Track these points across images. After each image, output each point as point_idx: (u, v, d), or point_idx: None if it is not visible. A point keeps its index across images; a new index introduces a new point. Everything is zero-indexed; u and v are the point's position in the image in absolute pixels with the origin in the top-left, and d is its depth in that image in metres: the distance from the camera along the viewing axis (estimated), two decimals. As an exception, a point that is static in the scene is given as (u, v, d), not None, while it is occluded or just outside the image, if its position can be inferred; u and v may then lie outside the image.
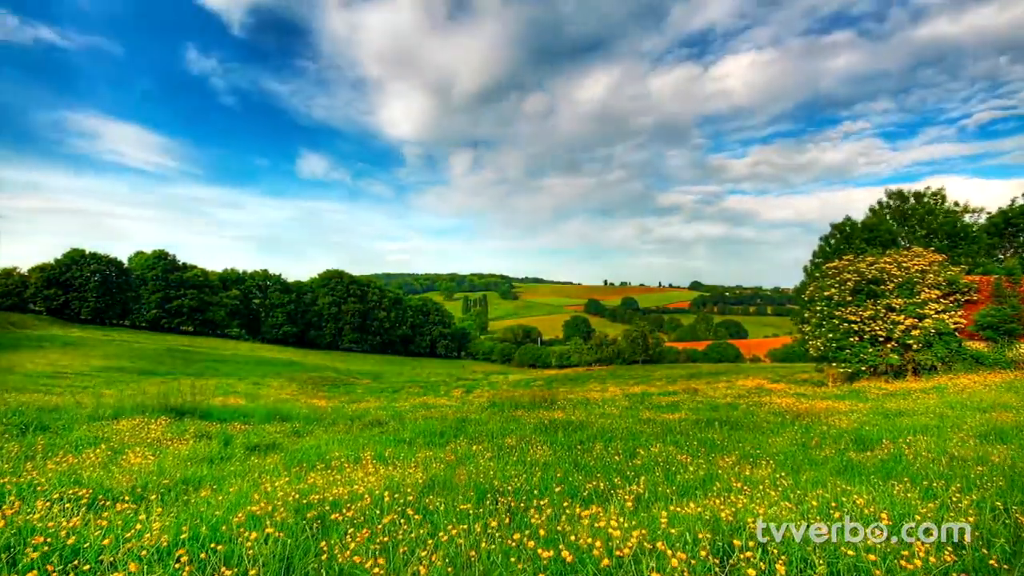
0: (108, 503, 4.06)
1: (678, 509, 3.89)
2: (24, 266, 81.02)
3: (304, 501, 4.06)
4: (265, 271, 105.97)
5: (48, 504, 3.78)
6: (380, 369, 72.85)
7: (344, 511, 3.86)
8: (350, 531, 3.42)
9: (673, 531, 3.28)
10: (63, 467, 5.59)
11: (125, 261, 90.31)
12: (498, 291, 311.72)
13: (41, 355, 42.57)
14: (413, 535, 3.44)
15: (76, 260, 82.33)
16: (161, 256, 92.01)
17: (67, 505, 3.82)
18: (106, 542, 2.89)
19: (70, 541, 2.99)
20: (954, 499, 4.70)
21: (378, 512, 3.90)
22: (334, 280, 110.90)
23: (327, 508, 3.95)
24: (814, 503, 4.27)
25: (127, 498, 4.23)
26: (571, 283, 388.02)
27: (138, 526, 3.27)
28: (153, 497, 4.28)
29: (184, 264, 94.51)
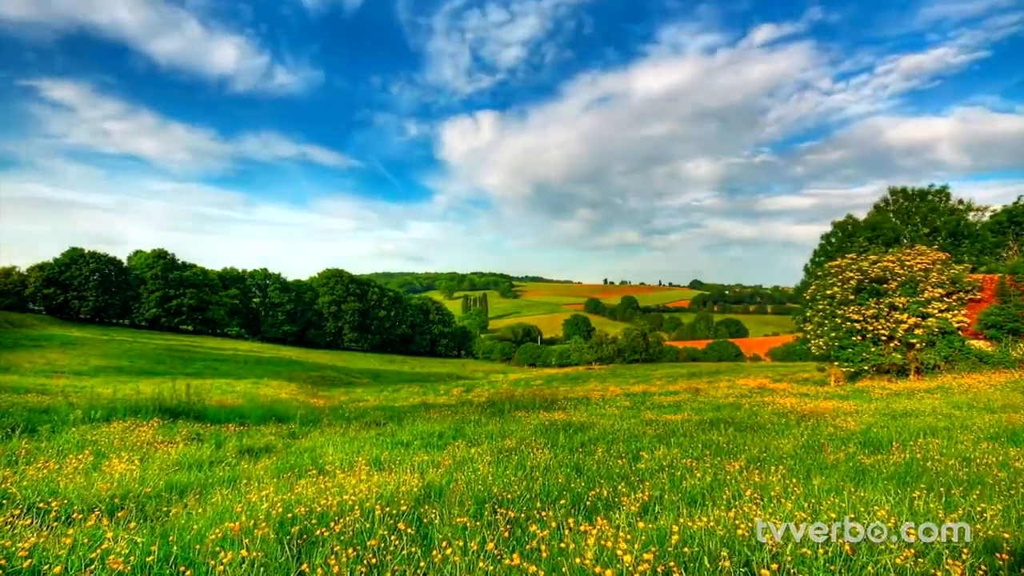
0: (81, 516, 3.81)
1: (689, 522, 3.64)
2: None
3: (289, 515, 3.80)
4: (264, 270, 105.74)
5: (13, 518, 3.53)
6: (380, 368, 72.65)
7: (332, 525, 3.60)
8: (336, 548, 3.17)
9: (686, 550, 3.04)
10: (43, 474, 5.35)
11: (125, 260, 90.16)
12: (498, 290, 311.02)
13: (39, 355, 42.33)
14: (405, 552, 3.19)
15: (75, 259, 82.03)
16: (160, 255, 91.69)
17: (27, 521, 3.56)
18: (56, 571, 2.63)
19: (26, 564, 2.74)
20: (977, 509, 4.46)
21: (369, 525, 3.66)
22: (334, 279, 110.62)
23: (313, 522, 3.70)
24: (832, 514, 4.02)
25: (102, 510, 3.98)
26: (571, 282, 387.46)
27: (105, 544, 3.02)
28: (121, 514, 3.98)
29: (183, 263, 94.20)
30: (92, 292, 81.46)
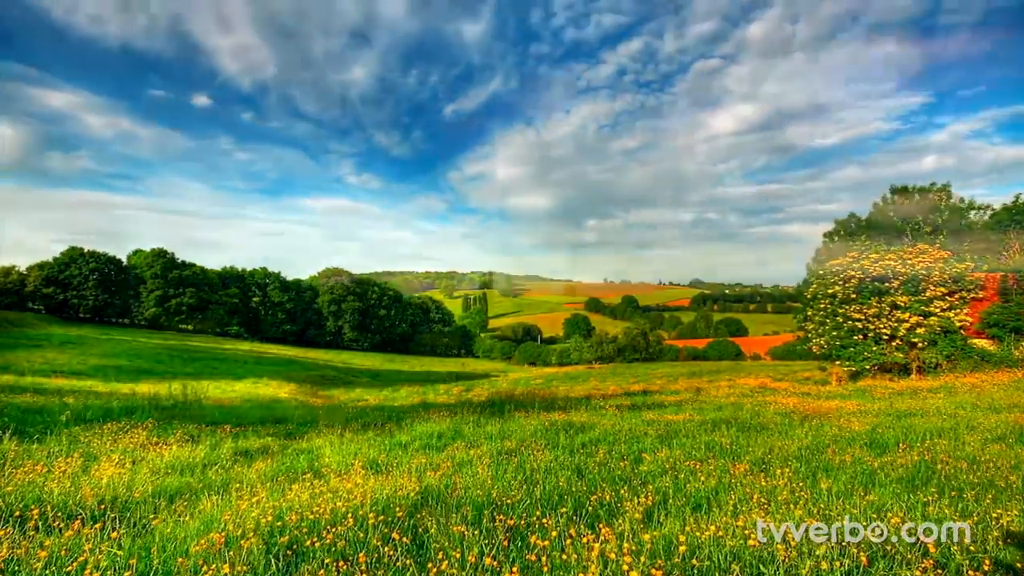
0: (63, 524, 3.66)
1: (696, 531, 3.50)
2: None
3: (279, 523, 3.65)
4: (264, 269, 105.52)
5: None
6: (380, 367, 72.50)
7: (323, 535, 3.46)
8: (326, 561, 3.03)
9: (695, 563, 2.89)
10: (30, 478, 5.21)
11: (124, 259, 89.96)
12: (498, 289, 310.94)
13: (39, 354, 42.11)
14: (399, 564, 3.05)
15: (75, 258, 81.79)
16: (160, 254, 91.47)
17: (3, 531, 3.41)
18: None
19: (-3, 579, 2.60)
20: (993, 514, 4.31)
21: (362, 535, 3.51)
22: (333, 278, 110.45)
23: (304, 531, 3.55)
24: (844, 522, 3.87)
25: (86, 517, 3.83)
26: (571, 281, 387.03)
27: (83, 556, 2.88)
28: (99, 524, 3.81)
29: (183, 262, 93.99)
30: (91, 291, 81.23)
